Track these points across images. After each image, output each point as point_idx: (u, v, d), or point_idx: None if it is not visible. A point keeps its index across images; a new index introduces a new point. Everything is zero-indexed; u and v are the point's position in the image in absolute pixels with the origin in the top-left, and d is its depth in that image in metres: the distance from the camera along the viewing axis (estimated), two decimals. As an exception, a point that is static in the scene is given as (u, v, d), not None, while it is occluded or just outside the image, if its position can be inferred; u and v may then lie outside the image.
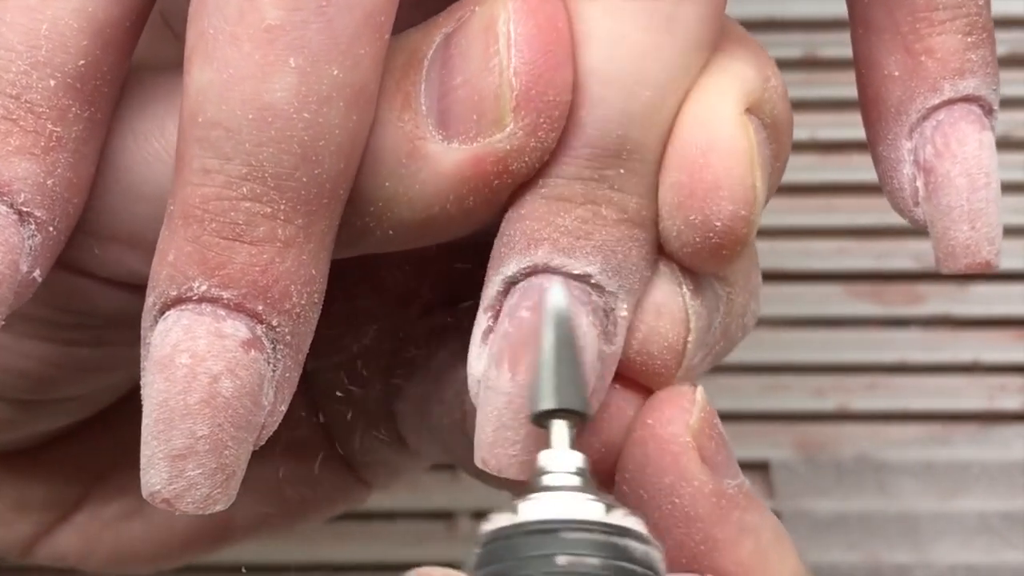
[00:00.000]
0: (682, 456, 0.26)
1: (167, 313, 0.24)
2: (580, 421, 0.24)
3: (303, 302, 0.24)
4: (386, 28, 0.24)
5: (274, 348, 0.24)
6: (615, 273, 0.25)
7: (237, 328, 0.24)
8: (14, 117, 0.24)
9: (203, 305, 0.24)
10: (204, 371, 0.24)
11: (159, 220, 0.24)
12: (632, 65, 0.24)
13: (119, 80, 0.25)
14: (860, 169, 0.48)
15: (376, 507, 0.48)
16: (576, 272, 0.25)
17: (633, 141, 0.24)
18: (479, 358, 0.25)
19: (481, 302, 0.25)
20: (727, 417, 0.48)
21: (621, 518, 0.23)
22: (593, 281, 0.25)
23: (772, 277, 0.48)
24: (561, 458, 0.23)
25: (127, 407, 0.32)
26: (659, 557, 0.23)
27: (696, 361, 0.27)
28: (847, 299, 0.48)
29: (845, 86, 0.48)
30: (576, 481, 0.23)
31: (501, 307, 0.25)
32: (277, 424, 0.25)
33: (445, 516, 0.48)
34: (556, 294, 0.24)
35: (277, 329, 0.24)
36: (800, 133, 0.48)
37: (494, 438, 0.25)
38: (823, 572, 0.47)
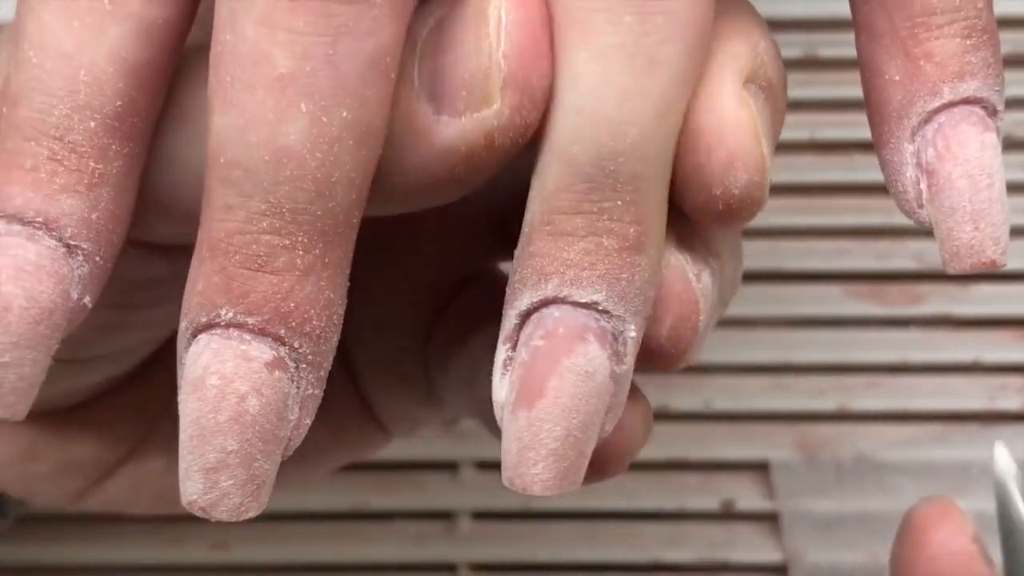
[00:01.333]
0: (974, 565, 0.31)
1: (198, 337, 0.26)
2: None
3: (323, 324, 0.26)
4: (391, 68, 0.25)
5: (297, 368, 0.26)
6: (620, 299, 0.26)
7: (262, 351, 0.26)
8: (59, 158, 0.26)
9: (230, 330, 0.26)
10: (232, 391, 0.26)
11: (190, 187, 0.27)
12: (618, 107, 0.26)
13: (154, 116, 0.27)
14: (860, 169, 0.48)
15: (376, 507, 0.48)
16: (583, 300, 0.26)
17: (626, 174, 0.26)
18: (500, 387, 0.27)
19: (500, 335, 0.27)
20: (727, 417, 0.48)
21: None
22: (600, 308, 0.26)
23: (772, 277, 0.48)
24: None
25: (164, 366, 0.33)
26: None
27: (707, 335, 0.29)
28: (847, 299, 0.48)
29: (845, 86, 0.49)
30: None
31: (518, 338, 0.27)
32: (303, 437, 0.27)
33: (445, 516, 0.48)
34: (1000, 459, 0.29)
35: (299, 350, 0.26)
36: (800, 133, 0.48)
37: (518, 459, 0.27)
38: (823, 572, 0.47)
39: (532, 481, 0.27)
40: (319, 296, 0.26)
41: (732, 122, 0.27)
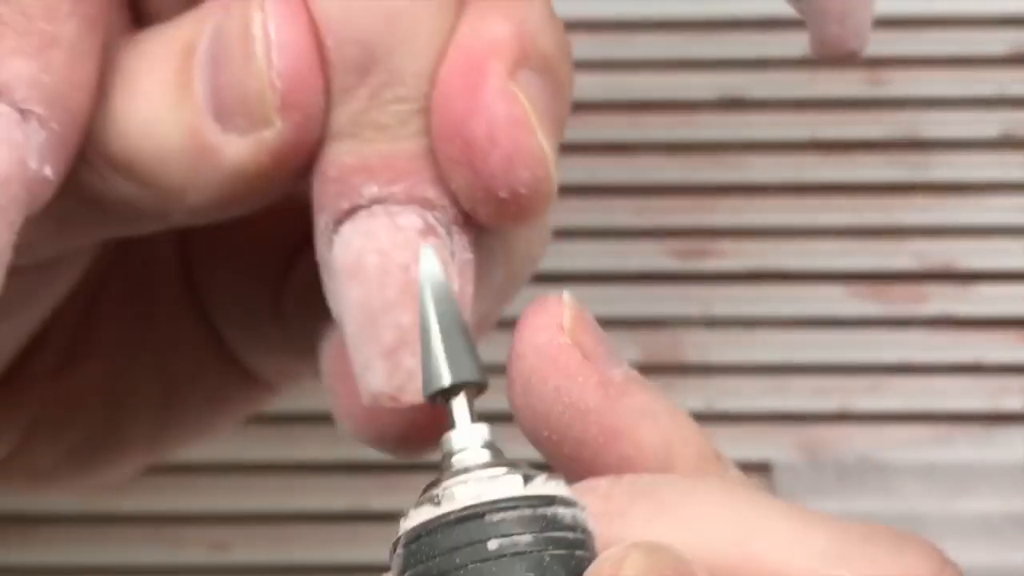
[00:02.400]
0: (561, 356, 0.27)
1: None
2: (477, 392, 0.24)
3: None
4: None
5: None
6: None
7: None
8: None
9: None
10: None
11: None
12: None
13: None
14: (860, 169, 0.48)
15: (376, 507, 0.48)
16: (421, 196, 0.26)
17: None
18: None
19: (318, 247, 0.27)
20: (729, 418, 0.48)
21: (542, 486, 0.23)
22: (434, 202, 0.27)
23: (772, 277, 0.48)
24: (467, 435, 0.24)
25: (35, 365, 0.33)
26: (585, 516, 0.23)
27: (486, 310, 0.29)
28: (849, 299, 0.48)
29: (847, 85, 0.49)
30: (487, 455, 0.23)
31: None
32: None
33: (446, 517, 0.48)
34: (427, 259, 0.26)
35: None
36: (800, 133, 0.48)
37: (354, 347, 0.26)
38: (825, 573, 0.47)
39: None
40: None
41: (504, 122, 0.26)
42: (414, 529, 0.23)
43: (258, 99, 0.26)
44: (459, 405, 0.24)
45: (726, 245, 0.48)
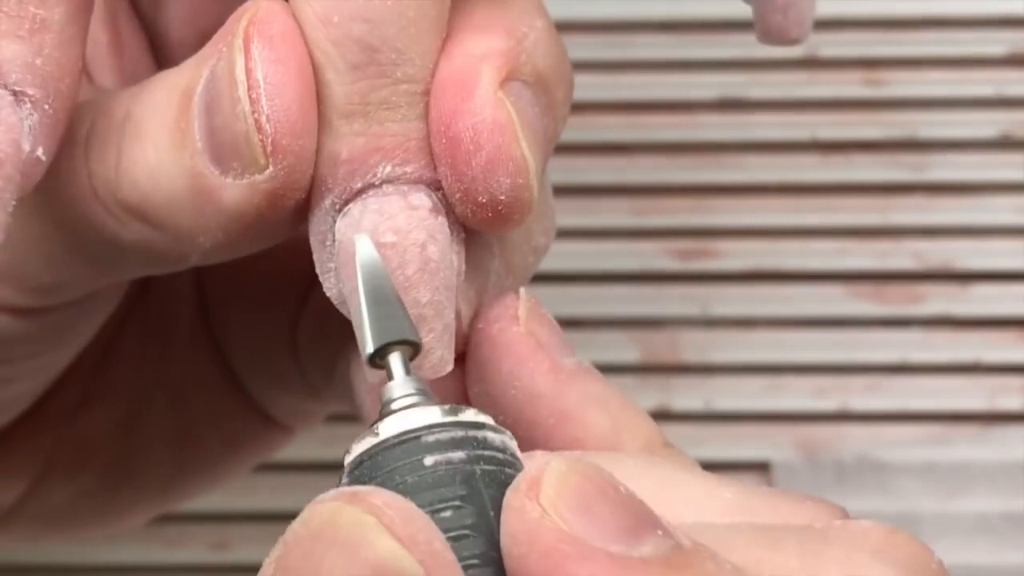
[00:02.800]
0: (515, 343, 0.28)
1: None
2: (412, 349, 0.25)
3: None
4: None
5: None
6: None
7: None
8: None
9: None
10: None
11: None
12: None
13: None
14: (860, 169, 0.48)
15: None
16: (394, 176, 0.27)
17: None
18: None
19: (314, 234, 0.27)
20: (727, 417, 0.48)
21: (474, 416, 0.24)
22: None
23: (772, 277, 0.48)
24: (403, 384, 0.25)
25: (53, 405, 0.34)
26: (514, 444, 0.24)
27: (481, 299, 0.29)
28: (847, 299, 0.48)
29: (845, 86, 0.49)
30: (421, 399, 0.25)
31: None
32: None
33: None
34: (361, 243, 0.26)
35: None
36: (800, 133, 0.48)
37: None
38: (824, 572, 0.47)
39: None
40: None
41: (489, 126, 0.26)
42: (356, 457, 0.24)
43: (246, 143, 0.26)
44: (395, 360, 0.25)
45: (725, 245, 0.48)
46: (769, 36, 0.30)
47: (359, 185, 0.26)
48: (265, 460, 0.38)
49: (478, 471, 0.23)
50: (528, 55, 0.27)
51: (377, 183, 0.26)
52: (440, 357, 0.27)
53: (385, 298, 0.25)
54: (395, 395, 0.25)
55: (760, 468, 0.48)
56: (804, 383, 0.48)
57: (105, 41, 0.32)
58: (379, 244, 0.26)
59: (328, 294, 0.27)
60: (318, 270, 0.27)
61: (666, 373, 0.47)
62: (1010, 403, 0.47)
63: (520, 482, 0.23)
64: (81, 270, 0.29)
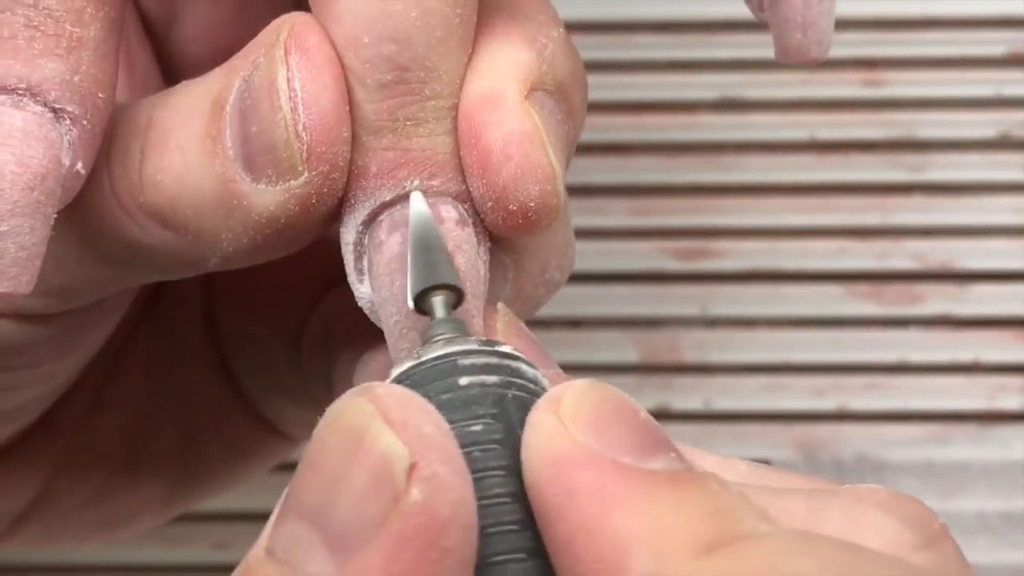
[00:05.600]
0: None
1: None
2: (455, 296, 0.26)
3: None
4: None
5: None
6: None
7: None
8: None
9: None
10: None
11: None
12: (397, 24, 0.27)
13: None
14: (860, 169, 0.48)
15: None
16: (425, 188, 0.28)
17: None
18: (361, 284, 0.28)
19: (345, 243, 0.28)
20: (727, 417, 0.48)
21: (509, 349, 0.25)
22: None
23: (772, 277, 0.48)
24: (443, 323, 0.26)
25: (64, 411, 0.34)
26: (547, 382, 0.25)
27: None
28: (847, 299, 0.48)
29: (845, 86, 0.49)
30: (459, 335, 0.26)
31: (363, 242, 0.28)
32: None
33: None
34: (415, 199, 0.27)
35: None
36: (800, 133, 0.48)
37: (398, 335, 0.28)
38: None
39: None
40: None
41: (517, 137, 0.27)
42: (395, 376, 0.25)
43: (285, 150, 0.27)
44: (437, 303, 0.26)
45: (724, 245, 0.48)
46: (788, 55, 0.30)
47: (388, 197, 0.27)
48: (269, 470, 0.38)
49: (509, 395, 0.24)
50: (549, 65, 0.28)
51: (405, 194, 0.27)
52: None
53: (431, 247, 0.26)
54: (435, 331, 0.26)
55: (759, 468, 0.48)
56: (803, 383, 0.48)
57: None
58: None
59: (360, 303, 0.28)
60: (350, 280, 0.28)
61: (666, 373, 0.48)
62: (1009, 403, 0.47)
63: (542, 399, 0.24)
64: (94, 274, 0.29)
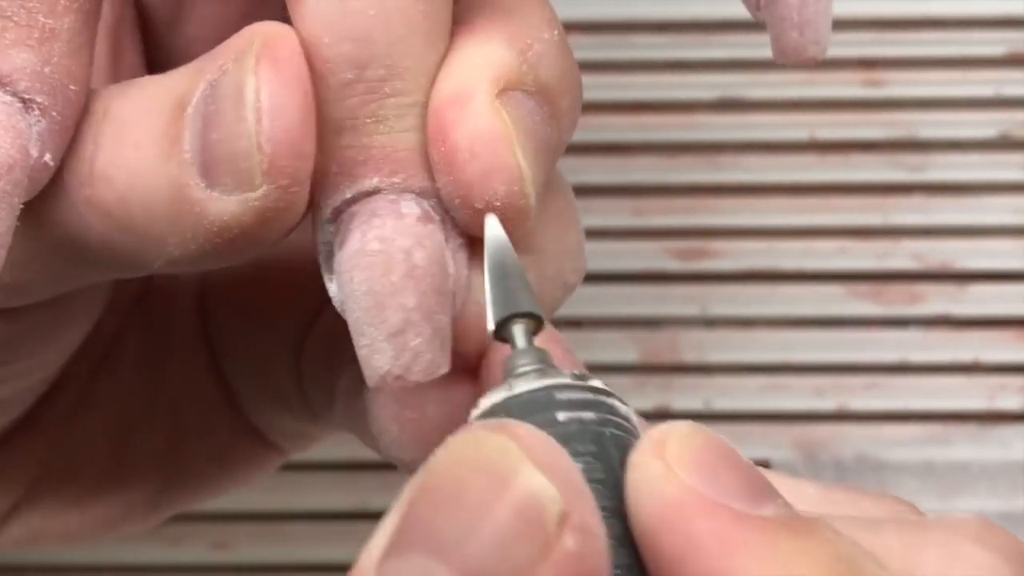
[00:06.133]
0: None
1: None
2: (535, 324, 0.26)
3: None
4: None
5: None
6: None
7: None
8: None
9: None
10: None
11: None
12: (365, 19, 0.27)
13: None
14: (860, 169, 0.48)
15: (376, 507, 0.48)
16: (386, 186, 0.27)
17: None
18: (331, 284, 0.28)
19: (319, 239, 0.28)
20: (727, 417, 0.48)
21: (601, 384, 0.25)
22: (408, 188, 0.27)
23: (772, 277, 0.48)
24: (526, 352, 0.25)
25: (49, 410, 0.34)
26: (638, 419, 0.25)
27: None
28: (847, 299, 0.48)
29: (845, 86, 0.49)
30: (545, 367, 0.25)
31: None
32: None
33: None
34: (490, 223, 0.27)
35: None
36: (800, 133, 0.48)
37: (359, 332, 0.27)
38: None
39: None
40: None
41: (485, 135, 0.27)
42: (487, 408, 0.24)
43: (246, 161, 0.26)
44: (518, 331, 0.26)
45: (724, 245, 0.48)
46: (785, 54, 0.30)
47: (349, 195, 0.27)
48: (255, 479, 0.38)
49: (607, 433, 0.24)
50: (531, 65, 0.28)
51: (366, 193, 0.27)
52: (430, 360, 0.27)
53: (509, 273, 0.26)
54: (520, 361, 0.25)
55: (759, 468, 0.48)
56: (803, 383, 0.48)
57: (104, 50, 0.32)
58: (366, 252, 0.26)
59: (333, 302, 0.28)
60: (324, 279, 0.28)
61: (666, 373, 0.48)
62: (1009, 403, 0.47)
63: (644, 441, 0.23)
64: (42, 267, 0.28)
